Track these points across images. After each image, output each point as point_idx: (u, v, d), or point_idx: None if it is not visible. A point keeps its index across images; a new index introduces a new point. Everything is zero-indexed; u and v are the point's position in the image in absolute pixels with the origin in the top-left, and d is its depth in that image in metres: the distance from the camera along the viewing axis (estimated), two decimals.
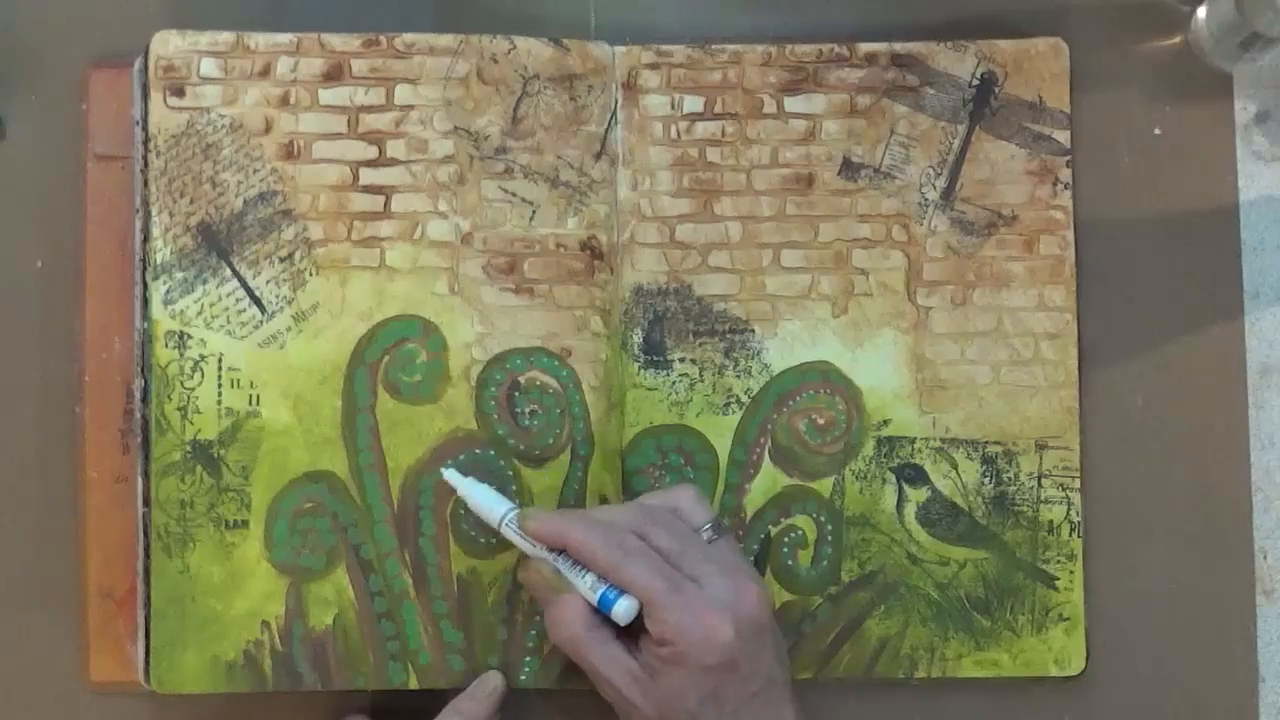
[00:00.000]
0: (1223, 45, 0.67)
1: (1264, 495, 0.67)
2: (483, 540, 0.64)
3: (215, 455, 0.64)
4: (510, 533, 0.61)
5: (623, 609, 0.58)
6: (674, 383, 0.66)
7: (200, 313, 0.64)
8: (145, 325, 0.64)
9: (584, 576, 0.59)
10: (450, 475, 0.63)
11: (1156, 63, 0.68)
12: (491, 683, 0.63)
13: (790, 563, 0.66)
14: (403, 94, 0.66)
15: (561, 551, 0.60)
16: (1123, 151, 0.68)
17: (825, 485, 0.66)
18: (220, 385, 0.64)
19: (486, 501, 0.62)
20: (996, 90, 0.67)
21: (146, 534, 0.64)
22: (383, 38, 0.66)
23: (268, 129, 0.65)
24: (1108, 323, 0.67)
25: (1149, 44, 0.68)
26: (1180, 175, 0.68)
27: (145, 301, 0.64)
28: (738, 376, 0.66)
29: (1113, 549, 0.66)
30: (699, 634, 0.57)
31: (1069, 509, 0.66)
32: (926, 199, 0.67)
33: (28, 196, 0.66)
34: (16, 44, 0.67)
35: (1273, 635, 0.67)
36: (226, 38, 0.65)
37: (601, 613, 0.59)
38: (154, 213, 0.65)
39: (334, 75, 0.66)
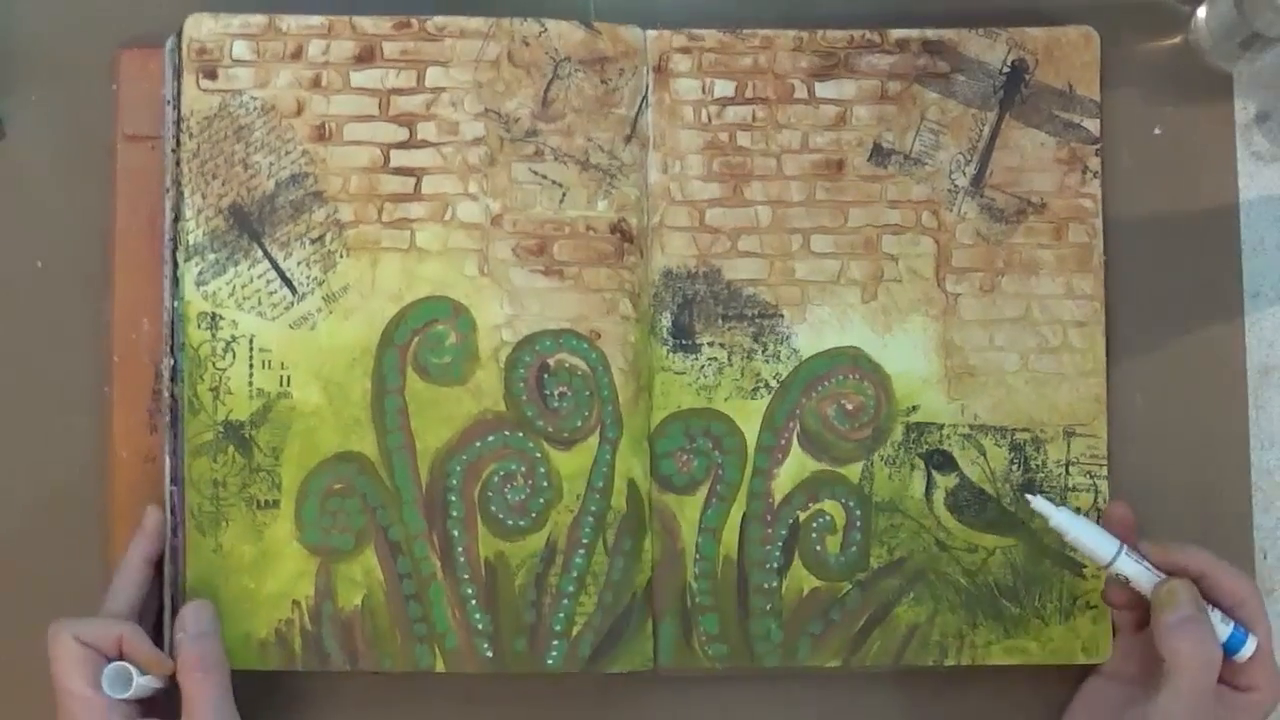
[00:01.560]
0: (1223, 45, 0.67)
1: (1264, 495, 0.67)
2: (510, 523, 0.64)
3: (247, 435, 0.64)
4: (1127, 567, 0.61)
5: (1252, 647, 0.59)
6: (703, 366, 0.66)
7: (232, 294, 0.65)
8: (176, 305, 0.64)
9: (1213, 610, 0.60)
10: (1040, 504, 0.61)
11: (1156, 63, 0.68)
12: (151, 519, 0.63)
13: (819, 549, 0.65)
14: (434, 76, 0.66)
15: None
16: (1123, 151, 0.68)
17: (854, 471, 0.66)
18: (251, 366, 0.64)
19: (1091, 538, 0.61)
20: (1027, 78, 0.67)
21: (174, 513, 0.64)
22: (414, 20, 0.66)
23: (299, 111, 0.65)
24: (1108, 322, 0.67)
25: (1149, 44, 0.68)
26: (1180, 175, 0.68)
27: (176, 282, 0.64)
28: (766, 361, 0.66)
29: None
30: (1274, 689, 0.59)
31: (1096, 496, 0.66)
32: (956, 185, 0.67)
33: (58, 176, 0.67)
34: (48, 25, 0.67)
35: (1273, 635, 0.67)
36: (259, 20, 0.65)
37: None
38: (186, 194, 0.65)
39: (365, 58, 0.66)
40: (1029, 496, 0.62)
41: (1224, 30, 0.67)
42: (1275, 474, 0.68)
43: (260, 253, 0.65)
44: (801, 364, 0.66)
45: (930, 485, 0.66)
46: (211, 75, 0.65)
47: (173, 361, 0.64)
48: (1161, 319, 0.68)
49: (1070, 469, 0.66)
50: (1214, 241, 0.68)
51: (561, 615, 0.64)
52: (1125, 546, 0.61)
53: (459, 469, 0.64)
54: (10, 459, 0.66)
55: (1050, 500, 0.61)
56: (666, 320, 0.66)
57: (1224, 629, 0.59)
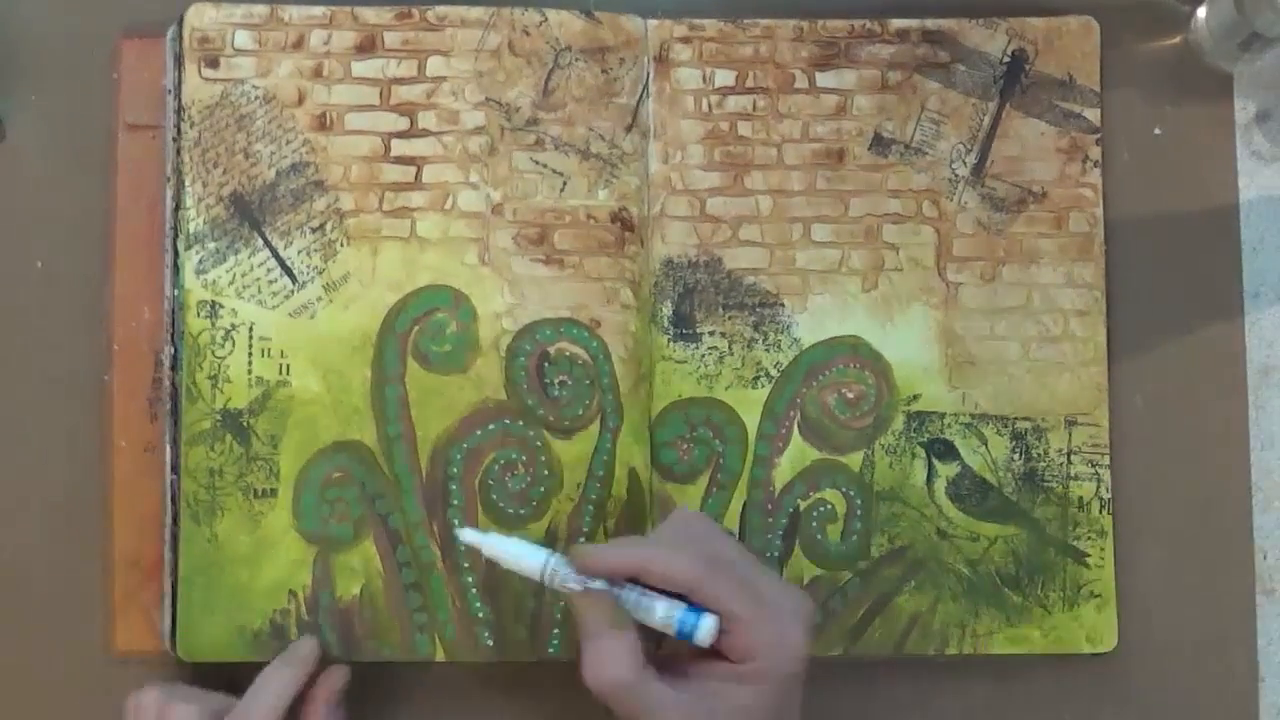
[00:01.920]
0: (1223, 45, 0.67)
1: (1264, 495, 0.67)
2: (511, 511, 0.64)
3: (245, 424, 0.64)
4: (559, 580, 0.56)
5: (707, 629, 0.54)
6: (703, 356, 0.66)
7: (232, 282, 0.64)
8: (176, 294, 0.64)
9: (655, 605, 0.55)
10: (468, 535, 0.58)
11: (1156, 63, 0.68)
12: (305, 648, 0.62)
13: (819, 537, 0.65)
14: (434, 66, 0.66)
15: (625, 584, 0.56)
16: (1123, 151, 0.68)
17: (855, 460, 0.66)
18: (251, 354, 0.64)
19: (519, 553, 0.57)
20: (1027, 68, 0.67)
21: (174, 502, 0.64)
22: (415, 10, 0.66)
23: (300, 100, 0.65)
24: (1108, 322, 0.67)
25: (1149, 44, 0.69)
26: (1180, 175, 0.68)
27: (176, 270, 0.64)
28: (767, 350, 0.66)
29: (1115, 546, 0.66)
30: (783, 646, 0.54)
31: (1099, 485, 0.66)
32: (957, 175, 0.67)
33: (59, 165, 0.67)
34: (49, 14, 0.67)
35: (1273, 635, 0.66)
36: (260, 10, 0.66)
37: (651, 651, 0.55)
38: (187, 183, 0.65)
39: (366, 47, 0.66)
40: (457, 532, 0.58)
41: (1224, 30, 0.67)
42: (1275, 474, 0.67)
43: (261, 241, 0.65)
44: (802, 353, 0.66)
45: (931, 474, 0.66)
46: (213, 64, 0.65)
47: (173, 350, 0.64)
48: (1161, 319, 0.68)
49: (1072, 458, 0.66)
50: (1214, 241, 0.68)
51: (561, 604, 0.64)
52: (555, 556, 0.56)
53: (459, 458, 0.64)
54: (10, 447, 0.66)
55: (477, 530, 0.58)
56: (667, 309, 0.66)
57: (670, 620, 0.55)
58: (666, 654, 0.56)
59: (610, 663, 0.54)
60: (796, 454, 0.66)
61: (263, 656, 0.63)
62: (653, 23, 0.67)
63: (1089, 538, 0.65)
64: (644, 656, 0.54)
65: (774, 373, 0.66)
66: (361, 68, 0.66)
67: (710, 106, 0.67)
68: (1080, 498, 0.66)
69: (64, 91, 0.67)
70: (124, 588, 0.64)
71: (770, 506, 0.65)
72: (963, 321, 0.66)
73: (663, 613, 0.55)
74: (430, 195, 0.65)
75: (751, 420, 0.66)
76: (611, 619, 0.55)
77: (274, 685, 0.60)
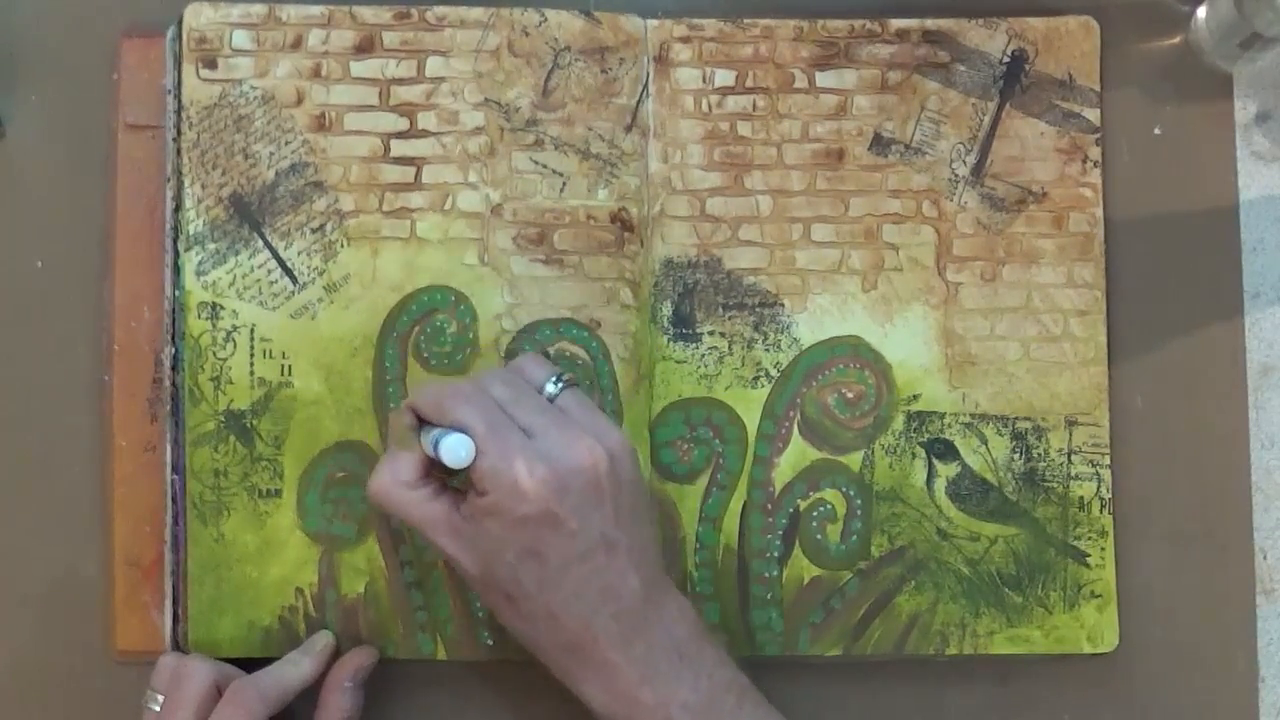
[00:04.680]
0: (1223, 45, 0.67)
1: (1264, 495, 0.67)
2: None
3: (248, 425, 0.64)
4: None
5: (447, 445, 0.55)
6: (703, 356, 0.66)
7: (233, 284, 0.64)
8: (176, 295, 0.64)
9: (427, 433, 0.57)
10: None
11: (1156, 63, 0.68)
12: (321, 642, 0.63)
13: (819, 537, 0.65)
14: (434, 66, 0.66)
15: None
16: (1123, 151, 0.68)
17: (854, 459, 0.66)
18: (253, 356, 0.64)
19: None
20: (1027, 68, 0.67)
21: (176, 502, 0.64)
22: (414, 10, 0.66)
23: (299, 101, 0.65)
24: (1108, 322, 0.67)
25: (1149, 44, 0.68)
26: (1180, 175, 0.68)
27: (176, 271, 0.64)
28: (767, 350, 0.66)
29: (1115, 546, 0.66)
30: (508, 481, 0.54)
31: (1099, 485, 0.66)
32: (957, 175, 0.67)
33: (58, 165, 0.67)
34: (49, 15, 0.67)
35: (1273, 635, 0.67)
36: (258, 10, 0.65)
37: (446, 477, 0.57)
38: (187, 184, 0.65)
39: (365, 48, 0.66)
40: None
41: (1224, 30, 0.67)
42: (1275, 474, 0.67)
43: (261, 242, 0.65)
44: (802, 353, 0.66)
45: (931, 474, 0.66)
46: (211, 65, 0.65)
47: (173, 351, 0.64)
48: (1161, 319, 0.68)
49: (1073, 458, 0.66)
50: (1214, 241, 0.68)
51: None
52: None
53: None
54: (10, 447, 0.66)
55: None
56: (667, 309, 0.66)
57: (429, 444, 0.56)
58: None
59: (377, 474, 0.58)
60: (796, 454, 0.66)
61: (272, 653, 0.63)
62: (652, 23, 0.67)
63: (1089, 538, 0.66)
64: (422, 476, 0.57)
65: (774, 373, 0.66)
66: (360, 68, 0.66)
67: (710, 106, 0.66)
68: (1080, 498, 0.66)
69: (64, 91, 0.67)
70: (124, 588, 0.64)
71: (770, 506, 0.65)
72: (963, 321, 0.66)
73: (430, 437, 0.56)
74: (430, 196, 0.65)
75: (751, 420, 0.66)
76: (398, 440, 0.58)
77: (288, 668, 0.61)
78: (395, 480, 0.57)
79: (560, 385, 0.59)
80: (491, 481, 0.55)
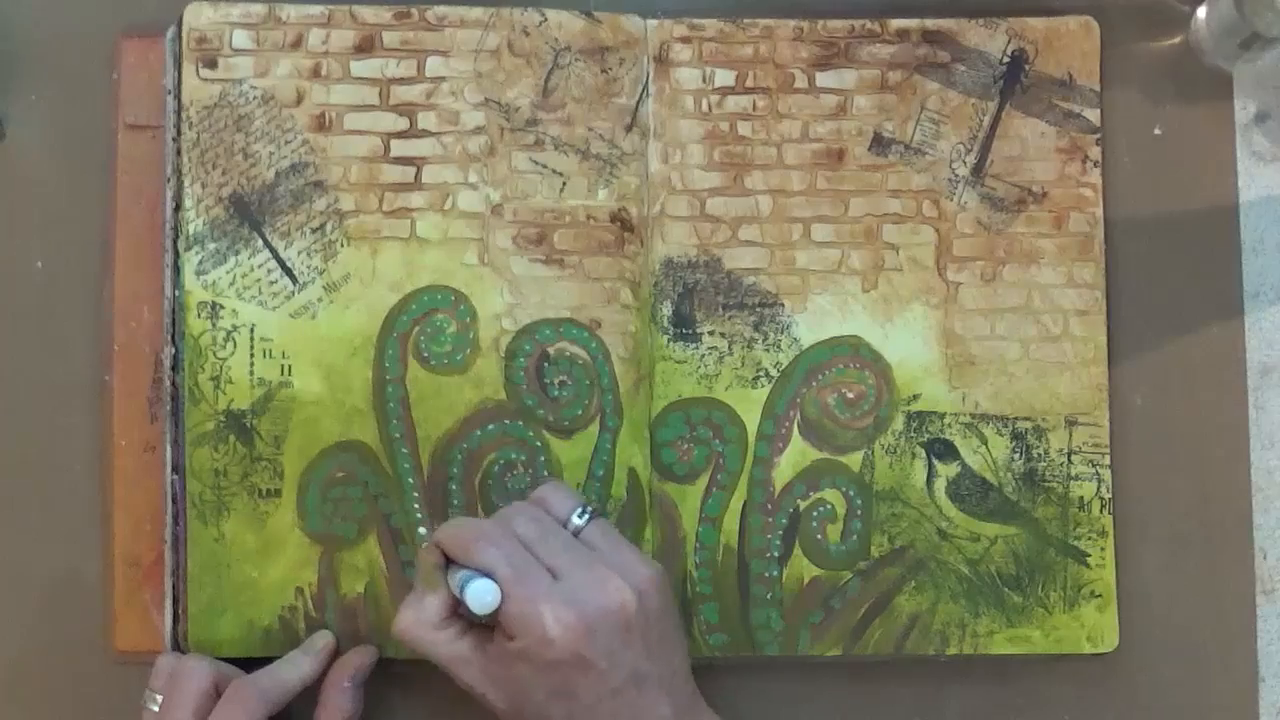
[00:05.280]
0: (1223, 45, 0.67)
1: (1264, 495, 0.67)
2: None
3: (248, 425, 0.64)
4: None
5: (473, 592, 0.55)
6: (703, 356, 0.66)
7: (233, 283, 0.64)
8: (176, 294, 0.64)
9: (454, 574, 0.57)
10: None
11: (1156, 63, 0.68)
12: (321, 641, 0.63)
13: (819, 537, 0.65)
14: (434, 66, 0.66)
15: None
16: (1123, 151, 0.68)
17: (855, 459, 0.66)
18: (252, 355, 0.64)
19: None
20: (1027, 68, 0.67)
21: (176, 502, 0.64)
22: (414, 10, 0.66)
23: (299, 101, 0.65)
24: (1108, 322, 0.67)
25: (1149, 44, 0.68)
26: (1180, 175, 0.68)
27: (176, 270, 0.64)
28: (767, 350, 0.66)
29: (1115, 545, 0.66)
30: (536, 628, 0.55)
31: (1099, 485, 0.66)
32: (957, 175, 0.67)
33: (58, 165, 0.67)
34: (49, 14, 0.67)
35: (1273, 635, 0.67)
36: (258, 9, 0.65)
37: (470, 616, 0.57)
38: (187, 183, 0.65)
39: (365, 47, 0.66)
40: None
41: (1224, 30, 0.67)
42: (1275, 474, 0.67)
43: (261, 242, 0.65)
44: (802, 353, 0.66)
45: (931, 474, 0.66)
46: (211, 64, 0.65)
47: (174, 350, 0.64)
48: (1161, 319, 0.68)
49: (1072, 458, 0.66)
50: (1214, 241, 0.68)
51: None
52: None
53: (460, 458, 0.64)
54: (9, 446, 0.66)
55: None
56: (667, 309, 0.66)
57: (457, 586, 0.56)
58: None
59: (402, 614, 0.58)
60: (796, 454, 0.66)
61: (272, 652, 0.63)
62: (652, 23, 0.67)
63: (1089, 538, 0.66)
64: (447, 617, 0.57)
65: (774, 373, 0.66)
66: (360, 67, 0.66)
67: (710, 106, 0.66)
68: (1080, 498, 0.66)
69: (64, 91, 0.67)
70: (124, 588, 0.64)
71: (770, 506, 0.65)
72: (963, 321, 0.66)
73: (457, 578, 0.56)
74: (430, 195, 0.65)
75: (751, 420, 0.66)
76: (425, 580, 0.58)
77: (287, 668, 0.61)
78: (420, 620, 0.58)
79: (586, 518, 0.59)
80: (519, 627, 0.55)
